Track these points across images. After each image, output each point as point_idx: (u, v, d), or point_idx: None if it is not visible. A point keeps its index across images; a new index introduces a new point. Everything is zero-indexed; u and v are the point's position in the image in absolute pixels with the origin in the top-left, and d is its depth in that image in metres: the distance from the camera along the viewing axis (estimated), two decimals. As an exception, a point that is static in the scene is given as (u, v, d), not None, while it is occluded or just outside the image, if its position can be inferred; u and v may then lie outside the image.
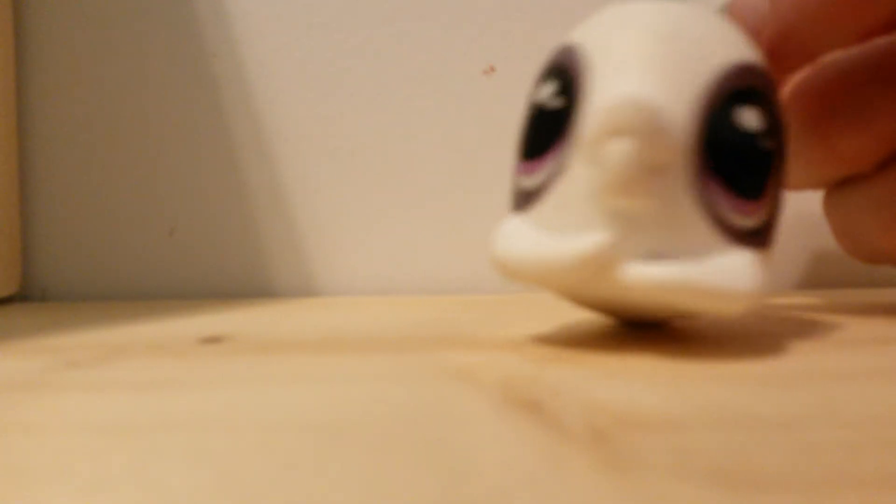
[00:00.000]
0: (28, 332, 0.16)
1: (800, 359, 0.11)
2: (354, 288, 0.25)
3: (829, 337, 0.13)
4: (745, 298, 0.10)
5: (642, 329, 0.14)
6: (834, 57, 0.14)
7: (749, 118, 0.11)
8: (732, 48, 0.11)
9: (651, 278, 0.10)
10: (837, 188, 0.15)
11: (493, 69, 0.25)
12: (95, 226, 0.26)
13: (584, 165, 0.11)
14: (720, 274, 0.10)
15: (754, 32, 0.13)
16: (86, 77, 0.26)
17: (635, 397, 0.08)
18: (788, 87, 0.15)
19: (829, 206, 0.16)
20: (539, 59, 0.13)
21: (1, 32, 0.24)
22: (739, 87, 0.11)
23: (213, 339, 0.14)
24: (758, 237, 0.11)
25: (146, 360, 0.12)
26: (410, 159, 0.25)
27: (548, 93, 0.12)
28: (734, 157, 0.11)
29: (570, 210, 0.11)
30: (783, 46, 0.13)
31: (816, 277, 0.24)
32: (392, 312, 0.18)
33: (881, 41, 0.14)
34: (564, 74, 0.12)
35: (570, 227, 0.11)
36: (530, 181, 0.12)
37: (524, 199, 0.12)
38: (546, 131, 0.12)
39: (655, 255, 0.11)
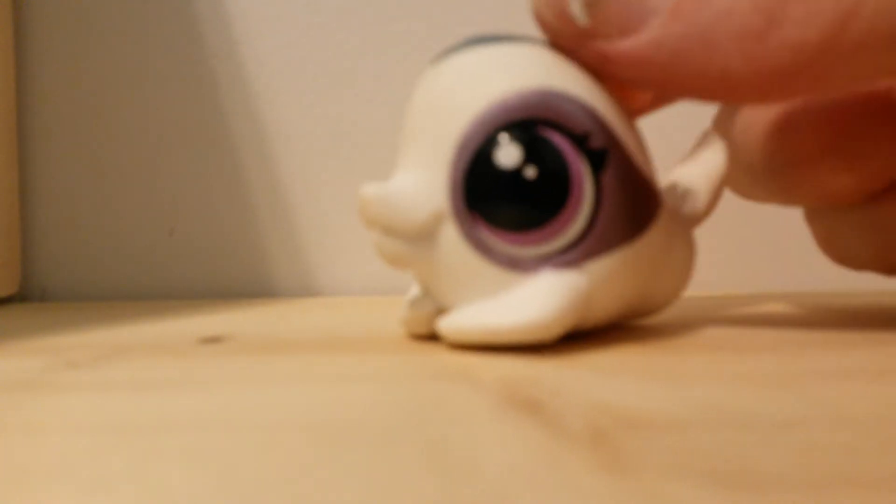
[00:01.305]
0: (27, 332, 0.16)
1: (799, 359, 0.11)
2: (354, 288, 0.25)
3: (829, 337, 0.13)
4: (545, 324, 0.11)
5: (642, 329, 0.14)
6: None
7: (504, 155, 0.11)
8: (491, 89, 0.12)
9: (452, 329, 0.12)
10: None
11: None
12: (95, 226, 0.26)
13: None
14: (511, 308, 0.11)
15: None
16: (85, 77, 0.26)
17: (635, 397, 0.08)
18: (748, 118, 0.15)
19: (812, 217, 0.16)
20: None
21: (1, 32, 0.24)
22: (496, 126, 0.11)
23: (212, 340, 0.14)
24: (565, 257, 0.11)
25: (146, 360, 0.12)
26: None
27: None
28: (496, 197, 0.11)
29: None
30: (654, 69, 0.11)
31: (816, 277, 0.24)
32: (392, 312, 0.18)
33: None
34: None
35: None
36: None
37: None
38: None
39: (456, 306, 0.12)
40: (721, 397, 0.08)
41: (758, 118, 0.14)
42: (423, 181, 0.12)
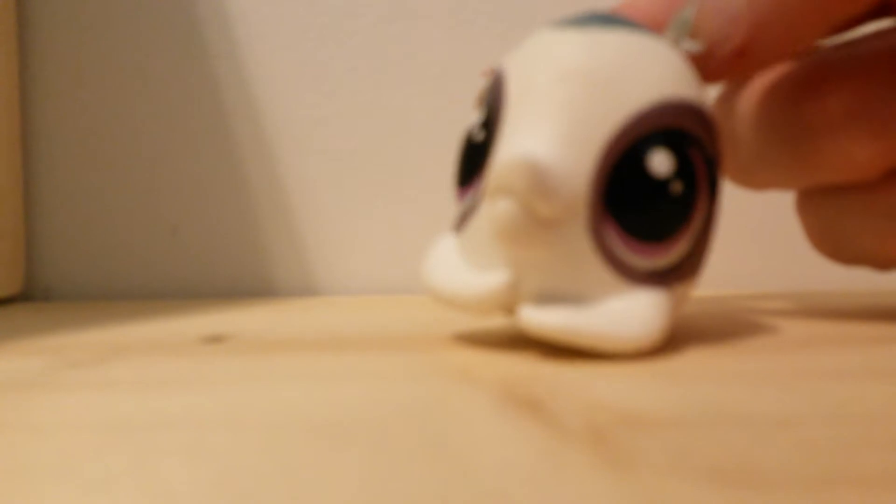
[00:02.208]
0: (30, 332, 0.16)
1: (797, 357, 0.11)
2: (355, 287, 0.25)
3: (827, 336, 0.13)
4: (636, 342, 0.11)
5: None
6: (824, 56, 0.14)
7: (659, 163, 0.11)
8: (655, 86, 0.11)
9: (542, 323, 0.11)
10: (818, 191, 0.15)
11: (493, 71, 0.25)
12: (98, 226, 0.26)
13: (487, 209, 0.11)
14: (610, 319, 0.11)
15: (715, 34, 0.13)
16: (88, 78, 0.26)
17: (634, 396, 0.09)
18: (759, 90, 0.14)
19: (806, 207, 0.15)
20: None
21: (4, 33, 0.24)
22: (656, 129, 0.11)
23: (214, 339, 0.14)
24: (666, 277, 0.11)
25: (148, 359, 0.12)
26: (411, 159, 0.25)
27: (476, 122, 0.13)
28: (637, 202, 0.11)
29: (479, 245, 0.12)
30: (760, 42, 0.12)
31: (810, 278, 0.24)
32: (392, 312, 0.18)
33: (879, 40, 0.14)
34: (490, 106, 0.12)
35: (479, 261, 0.12)
36: (459, 207, 0.13)
37: (457, 222, 0.13)
38: (470, 161, 0.12)
39: (553, 297, 0.11)
40: (720, 396, 0.08)
41: (775, 87, 0.14)
42: (570, 161, 0.11)
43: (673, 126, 0.11)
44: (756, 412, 0.08)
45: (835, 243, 0.15)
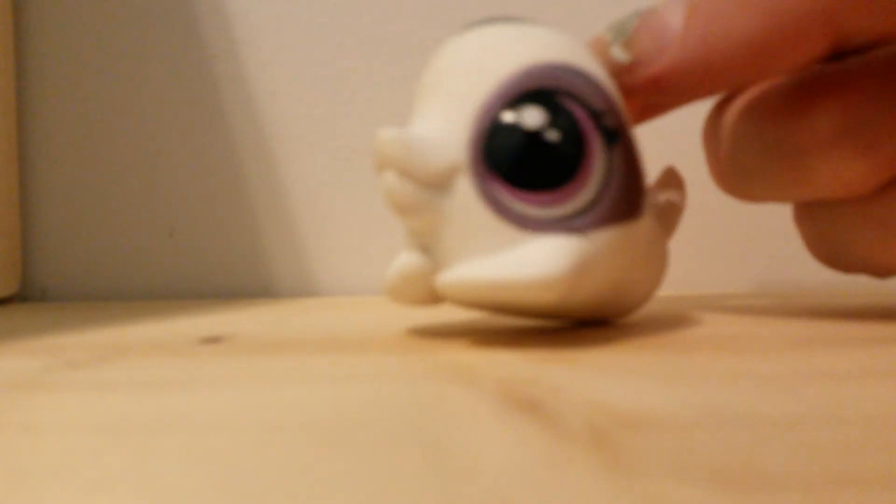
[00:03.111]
0: (27, 332, 0.16)
1: (800, 358, 0.11)
2: (354, 288, 0.25)
3: (829, 336, 0.13)
4: (550, 281, 0.11)
5: (641, 328, 0.14)
6: (811, 73, 0.14)
7: (529, 116, 0.12)
8: (520, 57, 0.12)
9: (454, 282, 0.12)
10: (813, 203, 0.15)
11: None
12: (95, 226, 0.26)
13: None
14: (512, 264, 0.11)
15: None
16: (85, 77, 0.26)
17: (635, 397, 0.08)
18: (748, 106, 0.14)
19: (803, 217, 0.15)
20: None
21: (1, 33, 0.24)
22: (525, 90, 0.12)
23: (212, 340, 0.14)
24: (574, 222, 0.12)
25: (146, 360, 0.12)
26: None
27: None
28: (514, 156, 0.12)
29: (403, 230, 0.13)
30: (676, 79, 0.13)
31: (812, 278, 0.24)
32: (392, 312, 0.18)
33: (867, 57, 0.13)
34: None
35: (403, 245, 0.13)
36: None
37: None
38: None
39: (461, 260, 0.12)
40: (721, 397, 0.08)
41: (763, 104, 0.14)
42: (444, 132, 0.12)
43: (542, 86, 0.12)
44: (758, 414, 0.08)
45: (831, 252, 0.15)
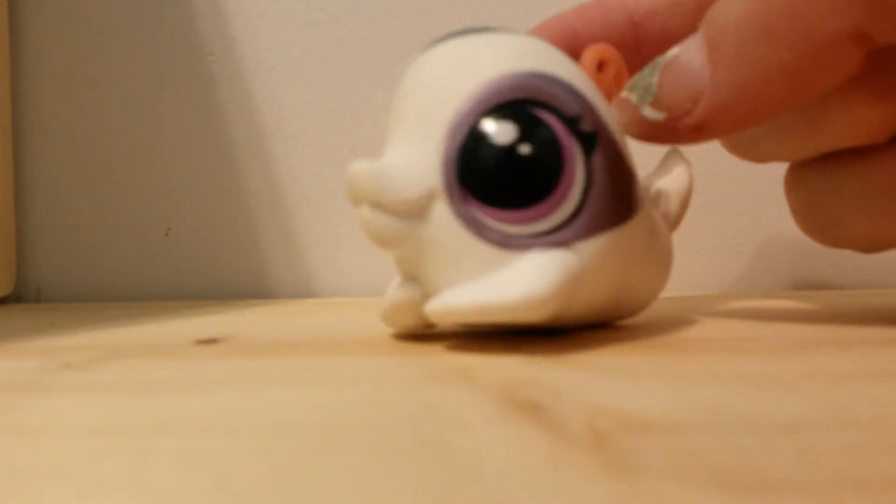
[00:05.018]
0: (22, 334, 0.16)
1: (801, 360, 0.11)
2: (352, 289, 0.25)
3: (831, 338, 0.13)
4: (538, 301, 0.11)
5: (642, 330, 0.14)
6: None
7: (499, 132, 0.11)
8: (486, 70, 0.12)
9: (443, 309, 0.11)
10: (809, 165, 0.15)
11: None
12: (90, 226, 0.26)
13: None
14: (497, 287, 0.11)
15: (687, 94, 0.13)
16: (81, 76, 0.26)
17: (636, 399, 0.08)
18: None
19: (797, 181, 0.15)
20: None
21: (-4, 32, 0.24)
22: (493, 105, 0.11)
23: (209, 341, 0.14)
24: (557, 236, 0.11)
25: (142, 361, 0.12)
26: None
27: None
28: (488, 174, 0.11)
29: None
30: (719, 121, 0.13)
31: (815, 278, 0.24)
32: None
33: None
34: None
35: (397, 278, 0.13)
36: None
37: None
38: None
39: (450, 285, 0.12)
40: (723, 399, 0.08)
41: None
42: (415, 158, 0.12)
43: (511, 98, 0.12)
44: (761, 416, 0.08)
45: (822, 222, 0.15)
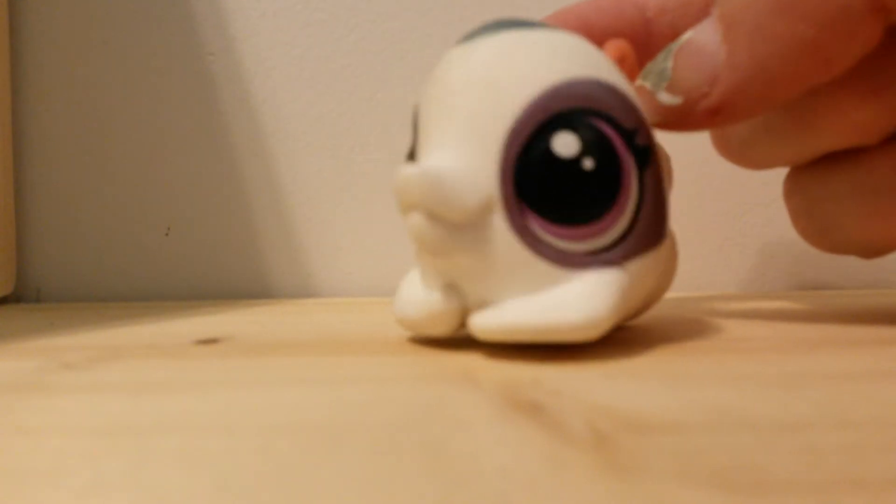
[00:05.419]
0: (22, 334, 0.16)
1: (802, 360, 0.11)
2: (353, 289, 0.25)
3: (831, 338, 0.13)
4: (585, 326, 0.10)
5: (643, 330, 0.14)
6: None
7: (562, 144, 0.11)
8: (544, 74, 0.11)
9: (487, 327, 0.11)
10: (806, 170, 0.15)
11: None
12: (90, 226, 0.26)
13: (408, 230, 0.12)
14: (555, 308, 0.11)
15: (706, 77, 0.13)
16: (81, 76, 0.26)
17: (637, 399, 0.08)
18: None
19: (794, 186, 0.15)
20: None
21: (-4, 32, 0.24)
22: (554, 113, 0.11)
23: (209, 341, 0.14)
24: (611, 255, 0.11)
25: (142, 361, 0.12)
26: (408, 160, 0.25)
27: (407, 152, 0.13)
28: (550, 189, 0.11)
29: (423, 267, 0.12)
30: (737, 103, 0.12)
31: (815, 278, 0.24)
32: (391, 315, 0.18)
33: None
34: (412, 136, 0.12)
35: (426, 280, 0.12)
36: None
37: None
38: None
39: (498, 299, 0.11)
40: (723, 399, 0.08)
41: None
42: (472, 165, 0.11)
43: (572, 107, 0.11)
44: (762, 416, 0.08)
45: (820, 227, 0.15)
